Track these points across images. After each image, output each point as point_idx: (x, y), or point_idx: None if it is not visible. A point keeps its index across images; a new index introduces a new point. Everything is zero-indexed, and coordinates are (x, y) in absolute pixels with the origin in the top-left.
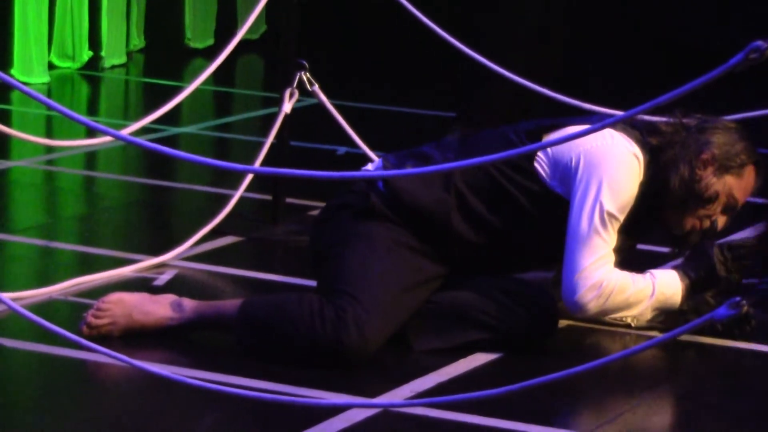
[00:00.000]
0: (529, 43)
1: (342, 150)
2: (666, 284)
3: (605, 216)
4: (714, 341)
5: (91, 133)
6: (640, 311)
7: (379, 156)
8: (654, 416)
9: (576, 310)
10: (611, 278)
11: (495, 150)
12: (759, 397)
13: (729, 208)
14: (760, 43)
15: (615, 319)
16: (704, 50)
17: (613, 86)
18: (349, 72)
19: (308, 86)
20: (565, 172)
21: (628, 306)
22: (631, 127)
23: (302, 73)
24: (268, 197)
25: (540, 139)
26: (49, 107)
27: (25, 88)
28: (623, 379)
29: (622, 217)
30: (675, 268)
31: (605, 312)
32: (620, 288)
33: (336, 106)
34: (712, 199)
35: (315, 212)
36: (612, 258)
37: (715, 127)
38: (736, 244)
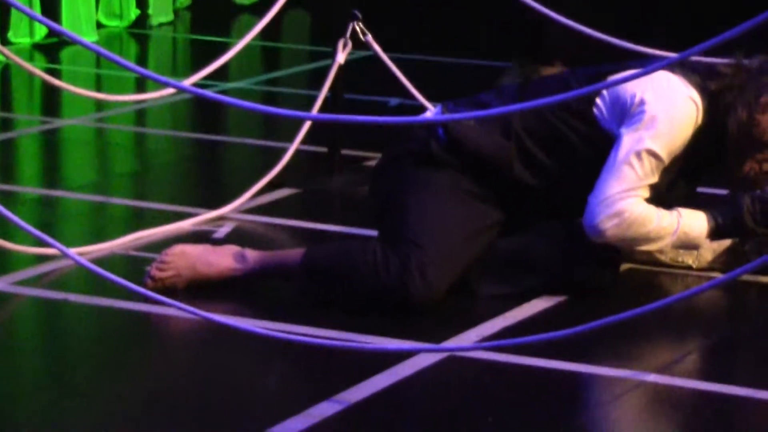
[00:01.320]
0: None
1: (395, 101)
2: (691, 225)
3: (644, 152)
4: None
5: (141, 89)
6: (661, 246)
7: (435, 106)
8: (721, 356)
9: (594, 234)
10: (634, 210)
11: (555, 95)
12: None
13: None
14: None
15: (646, 251)
16: None
17: (671, 29)
18: (402, 23)
19: (362, 36)
20: (622, 114)
21: (648, 240)
22: (691, 71)
23: (355, 23)
24: (324, 149)
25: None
26: (116, 63)
27: (93, 46)
28: (688, 320)
29: (666, 160)
30: (705, 210)
31: (624, 241)
32: (642, 221)
33: (389, 58)
34: None
35: (371, 163)
36: (643, 194)
37: None
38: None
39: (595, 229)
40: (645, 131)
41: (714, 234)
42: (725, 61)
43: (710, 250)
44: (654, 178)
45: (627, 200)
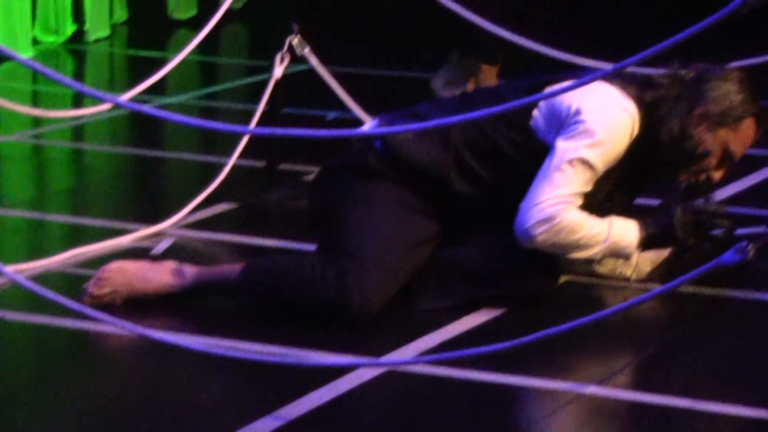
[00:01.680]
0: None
1: (332, 115)
2: (622, 234)
3: (577, 161)
4: (715, 291)
5: (78, 105)
6: (592, 255)
7: (373, 119)
8: (660, 367)
9: (524, 240)
10: (565, 217)
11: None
12: (764, 345)
13: (725, 162)
14: None
15: (574, 256)
16: None
17: (608, 38)
18: (340, 36)
19: (299, 50)
20: (559, 124)
21: (578, 247)
22: (628, 82)
23: (293, 36)
24: (262, 163)
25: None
26: (53, 79)
27: (29, 61)
28: (626, 332)
29: (600, 170)
30: (637, 219)
31: (554, 248)
32: (572, 228)
33: (327, 71)
34: (703, 156)
35: (310, 177)
36: (575, 201)
37: (714, 78)
38: (700, 208)
39: (525, 234)
40: (579, 141)
41: (645, 244)
42: (662, 71)
43: (649, 261)
44: (587, 188)
45: (558, 206)
